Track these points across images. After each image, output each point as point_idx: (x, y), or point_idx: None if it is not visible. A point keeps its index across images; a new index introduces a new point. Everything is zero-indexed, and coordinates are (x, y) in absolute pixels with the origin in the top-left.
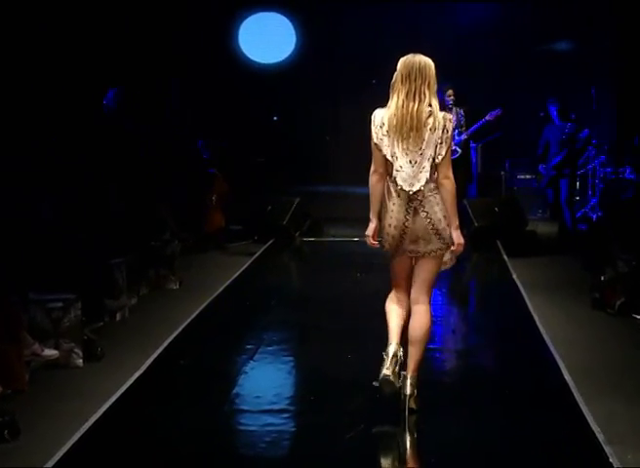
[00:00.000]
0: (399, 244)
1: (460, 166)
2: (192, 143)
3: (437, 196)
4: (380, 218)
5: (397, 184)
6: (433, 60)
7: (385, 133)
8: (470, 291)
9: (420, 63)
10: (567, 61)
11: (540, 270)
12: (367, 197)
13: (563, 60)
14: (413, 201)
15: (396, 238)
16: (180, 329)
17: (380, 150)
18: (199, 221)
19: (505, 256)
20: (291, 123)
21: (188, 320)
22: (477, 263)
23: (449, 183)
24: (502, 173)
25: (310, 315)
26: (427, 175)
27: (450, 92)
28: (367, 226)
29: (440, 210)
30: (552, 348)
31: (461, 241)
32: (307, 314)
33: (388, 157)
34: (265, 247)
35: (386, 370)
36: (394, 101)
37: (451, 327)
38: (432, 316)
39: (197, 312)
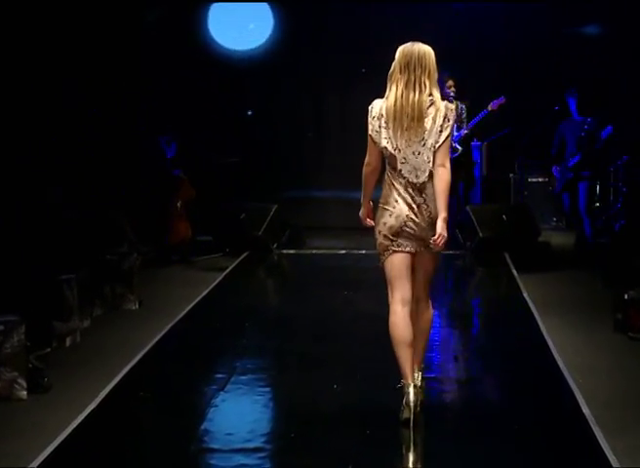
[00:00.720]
0: (396, 236)
1: (462, 167)
2: (154, 140)
3: (430, 189)
4: (371, 208)
5: (403, 176)
6: (432, 48)
7: (384, 124)
8: (474, 311)
9: (419, 52)
10: (590, 45)
11: (555, 287)
12: (356, 202)
13: (586, 44)
14: (419, 194)
15: (394, 228)
16: (139, 355)
17: (376, 142)
18: (162, 231)
19: (515, 272)
20: (268, 118)
21: (149, 345)
22: (482, 279)
23: (445, 172)
24: (511, 175)
25: (290, 339)
26: (431, 165)
27: (450, 82)
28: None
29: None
30: (568, 376)
31: (446, 233)
32: (287, 338)
33: (390, 149)
34: (238, 261)
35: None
36: (393, 92)
37: (452, 352)
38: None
39: (160, 336)
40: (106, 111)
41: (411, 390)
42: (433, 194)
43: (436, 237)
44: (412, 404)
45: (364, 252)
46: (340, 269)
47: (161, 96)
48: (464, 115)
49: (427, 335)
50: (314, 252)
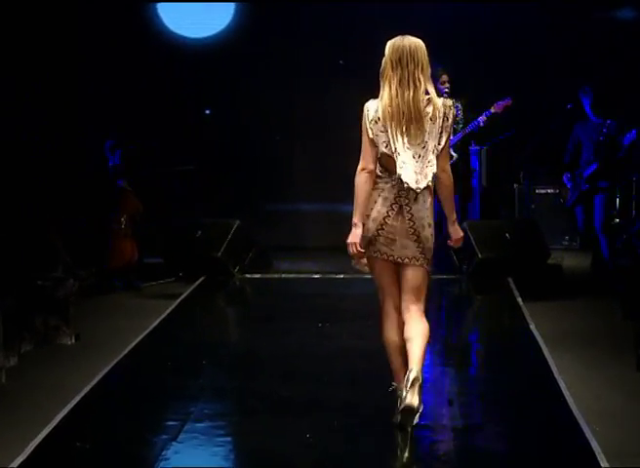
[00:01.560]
0: (372, 241)
1: (457, 176)
2: (93, 145)
3: (427, 196)
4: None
5: (401, 182)
6: (422, 37)
7: (382, 128)
8: (472, 346)
9: (410, 47)
10: (610, 35)
11: (567, 318)
12: (334, 217)
13: (604, 34)
14: (401, 197)
15: (371, 231)
16: (76, 399)
17: (377, 146)
18: (103, 252)
19: (520, 300)
20: (228, 118)
21: (88, 387)
22: (481, 309)
23: (447, 177)
24: (516, 186)
25: (255, 379)
26: (434, 168)
27: (444, 77)
28: (349, 234)
29: (427, 216)
30: (583, 425)
31: (460, 234)
32: (251, 378)
33: (389, 153)
34: (193, 287)
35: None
36: (387, 91)
37: (446, 395)
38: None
39: (100, 376)
40: (36, 111)
41: (409, 393)
42: (421, 203)
43: (453, 242)
44: (415, 407)
45: (342, 276)
46: (313, 297)
47: (102, 93)
48: (461, 116)
49: (425, 341)
50: (283, 276)
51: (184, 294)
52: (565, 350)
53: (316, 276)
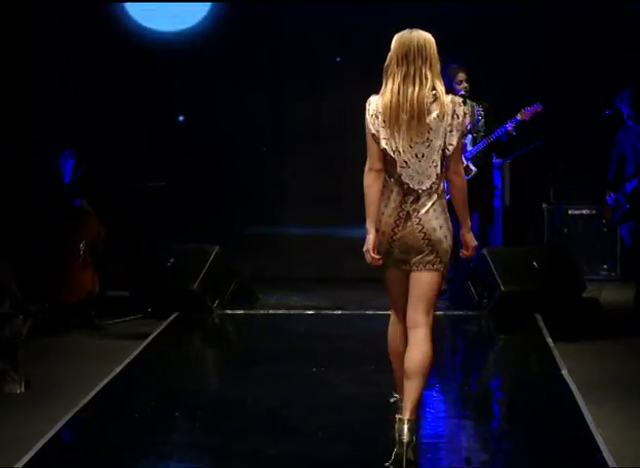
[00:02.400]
0: (388, 253)
1: (476, 194)
2: (47, 158)
3: (435, 199)
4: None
5: (402, 183)
6: (435, 33)
7: (382, 123)
8: (494, 395)
9: (418, 41)
10: None
11: (606, 363)
12: (327, 244)
13: None
14: (406, 203)
15: (384, 245)
16: (26, 458)
17: (378, 143)
18: (58, 284)
19: (550, 341)
20: (206, 126)
21: (41, 442)
22: (505, 351)
23: (459, 180)
24: (545, 206)
25: (237, 435)
26: (438, 170)
27: (461, 76)
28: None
29: (436, 217)
30: None
31: (475, 243)
32: (232, 433)
33: (389, 152)
34: (164, 325)
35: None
36: (389, 87)
37: (464, 452)
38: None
39: (55, 431)
40: None
41: (405, 427)
42: (429, 207)
43: (468, 252)
44: (405, 440)
45: (340, 312)
46: (306, 336)
47: (58, 97)
48: (482, 122)
49: (424, 377)
50: (271, 312)
51: (154, 334)
52: (603, 401)
53: (309, 312)
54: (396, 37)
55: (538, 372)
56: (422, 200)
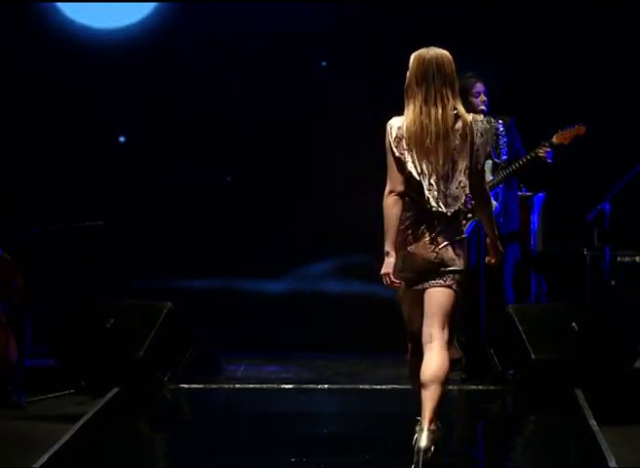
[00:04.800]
0: (403, 275)
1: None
2: None
3: (456, 219)
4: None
5: (430, 206)
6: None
7: (406, 146)
8: None
9: (436, 60)
10: None
11: None
12: (309, 301)
13: None
14: (425, 222)
15: (398, 266)
16: None
17: (404, 166)
18: None
19: (594, 423)
20: (155, 147)
21: None
22: (536, 436)
23: (486, 195)
24: (586, 251)
25: None
26: (467, 190)
27: (479, 86)
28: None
29: (451, 238)
30: None
31: (501, 251)
32: None
33: (415, 175)
34: (102, 404)
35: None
36: (411, 109)
37: None
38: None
39: None
40: None
41: (424, 433)
42: (450, 227)
43: (494, 261)
44: (423, 446)
45: (327, 387)
46: (283, 418)
47: None
48: (503, 141)
49: (442, 384)
50: (238, 386)
51: (88, 415)
52: None
53: (287, 387)
54: (413, 56)
55: (578, 463)
56: (446, 221)
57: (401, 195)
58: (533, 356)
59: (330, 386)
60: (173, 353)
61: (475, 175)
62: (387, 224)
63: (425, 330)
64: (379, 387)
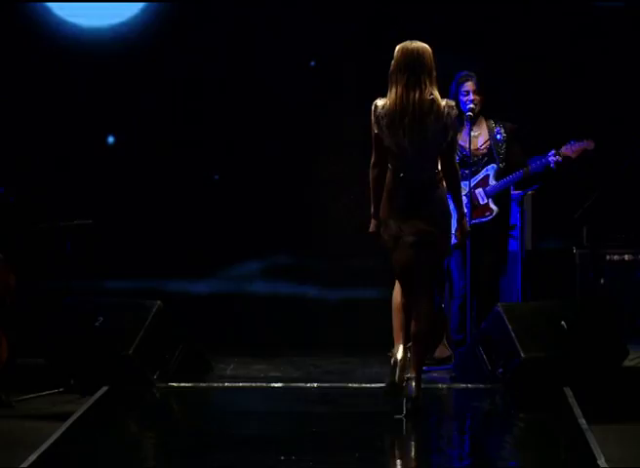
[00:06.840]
0: (398, 236)
1: (491, 235)
2: None
3: (436, 191)
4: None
5: (405, 178)
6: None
7: (387, 124)
8: None
9: (418, 51)
10: None
11: None
12: (299, 301)
13: None
14: (415, 192)
15: (394, 230)
16: None
17: (382, 141)
18: None
19: (583, 421)
20: (143, 148)
21: None
22: (526, 435)
23: (454, 170)
24: (576, 250)
25: None
26: (435, 164)
27: (468, 85)
28: None
29: (438, 205)
30: None
31: (467, 229)
32: None
33: (394, 149)
34: (91, 403)
35: (393, 378)
36: (394, 92)
37: None
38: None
39: None
40: None
41: (413, 383)
42: (435, 195)
43: (459, 239)
44: (414, 395)
45: (316, 385)
46: (272, 417)
47: None
48: (504, 149)
49: (427, 337)
50: (227, 385)
51: (77, 414)
52: None
53: (276, 385)
54: (398, 47)
55: (567, 462)
56: (426, 193)
57: (382, 167)
58: (522, 354)
59: (319, 385)
60: (162, 351)
61: (446, 152)
62: (373, 197)
63: (413, 289)
64: (368, 385)
